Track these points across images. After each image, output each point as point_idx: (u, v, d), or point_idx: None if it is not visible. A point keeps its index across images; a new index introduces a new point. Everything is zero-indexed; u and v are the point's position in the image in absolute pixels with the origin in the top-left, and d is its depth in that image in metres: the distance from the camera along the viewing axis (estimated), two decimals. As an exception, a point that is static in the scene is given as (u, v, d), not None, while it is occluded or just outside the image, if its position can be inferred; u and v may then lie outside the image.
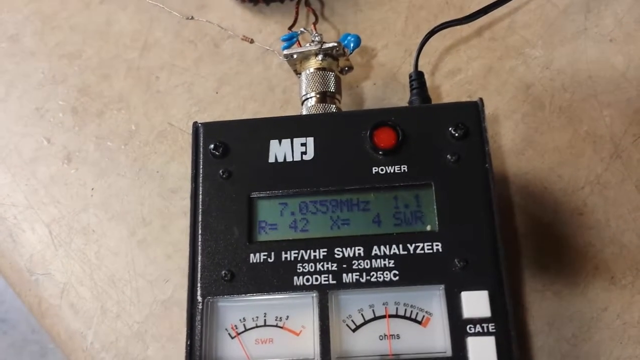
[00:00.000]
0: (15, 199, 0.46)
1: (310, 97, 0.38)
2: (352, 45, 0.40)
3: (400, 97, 0.44)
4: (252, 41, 0.44)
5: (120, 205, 0.44)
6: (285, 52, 0.40)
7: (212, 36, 0.48)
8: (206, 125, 0.34)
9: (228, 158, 0.33)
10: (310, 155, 0.33)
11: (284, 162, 0.33)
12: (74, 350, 0.42)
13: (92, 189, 0.45)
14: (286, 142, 0.33)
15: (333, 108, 0.38)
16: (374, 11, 0.47)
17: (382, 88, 0.45)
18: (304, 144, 0.33)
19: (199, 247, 0.31)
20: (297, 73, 0.41)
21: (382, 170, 0.32)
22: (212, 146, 0.33)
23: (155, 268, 0.42)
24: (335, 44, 0.38)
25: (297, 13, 0.45)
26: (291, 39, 0.40)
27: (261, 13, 0.48)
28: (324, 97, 0.38)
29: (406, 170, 0.32)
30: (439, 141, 0.32)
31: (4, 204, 0.46)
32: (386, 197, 0.32)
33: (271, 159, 0.33)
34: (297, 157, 0.33)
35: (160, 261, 0.42)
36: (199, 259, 0.31)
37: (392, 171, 0.32)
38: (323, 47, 0.38)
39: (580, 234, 0.40)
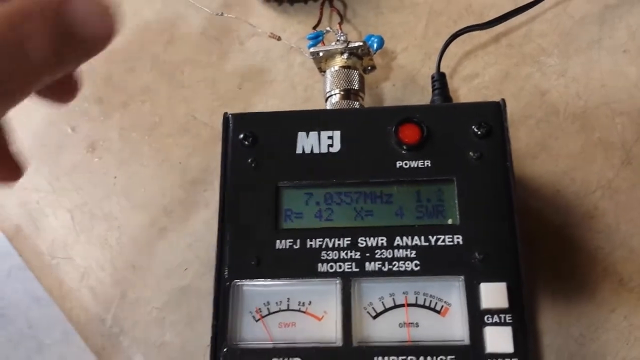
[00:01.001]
0: (38, 184, 0.47)
1: (335, 94, 0.40)
2: (375, 45, 0.42)
3: (419, 99, 0.45)
4: (279, 38, 0.45)
5: (142, 195, 0.45)
6: (312, 49, 0.41)
7: (237, 33, 0.49)
8: (236, 116, 0.35)
9: (257, 148, 0.34)
10: (336, 148, 0.34)
11: (310, 154, 0.34)
12: (92, 334, 0.43)
13: (115, 177, 0.46)
14: (313, 134, 0.34)
15: (357, 105, 0.39)
16: (395, 14, 0.49)
17: (401, 89, 0.46)
18: (330, 137, 0.34)
19: (227, 233, 0.32)
20: (322, 71, 0.43)
21: (406, 164, 0.33)
22: (241, 136, 0.34)
23: (175, 256, 0.43)
24: (361, 43, 0.40)
25: (321, 13, 0.46)
26: (317, 38, 0.42)
27: (285, 13, 0.50)
28: (348, 94, 0.39)
29: (429, 165, 0.33)
30: (462, 139, 0.33)
31: (27, 188, 0.47)
32: (409, 190, 0.33)
33: (298, 150, 0.34)
34: (324, 150, 0.34)
35: (180, 250, 0.43)
36: (227, 244, 0.32)
37: (415, 166, 0.33)
38: (349, 46, 0.40)
39: (590, 236, 0.41)
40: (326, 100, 0.40)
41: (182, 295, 0.42)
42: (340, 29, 0.43)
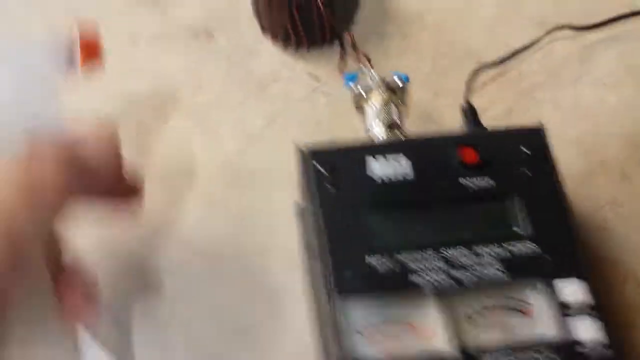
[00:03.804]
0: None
1: (379, 128, 0.43)
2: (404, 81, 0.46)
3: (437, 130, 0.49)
4: (317, 79, 0.48)
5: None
6: (352, 87, 0.44)
7: (260, 78, 0.52)
8: (314, 149, 0.37)
9: (337, 178, 0.37)
10: (408, 172, 0.37)
11: (385, 181, 0.37)
12: None
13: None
14: (386, 162, 0.37)
15: (400, 135, 0.43)
16: (402, 57, 0.53)
17: (417, 124, 0.50)
18: (401, 164, 0.37)
19: (328, 256, 0.34)
20: (358, 107, 0.46)
21: (472, 183, 0.37)
22: (321, 169, 0.37)
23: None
24: (398, 80, 0.44)
25: (342, 56, 0.50)
26: (354, 78, 0.45)
27: (303, 58, 0.53)
28: (393, 126, 0.43)
29: (492, 183, 0.37)
30: (515, 158, 0.38)
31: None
32: (479, 206, 0.36)
33: (375, 178, 0.37)
34: (399, 174, 0.37)
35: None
36: (329, 264, 0.34)
37: (480, 184, 0.37)
38: (387, 81, 0.43)
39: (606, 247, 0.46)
40: (367, 133, 0.43)
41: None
42: (372, 67, 0.46)
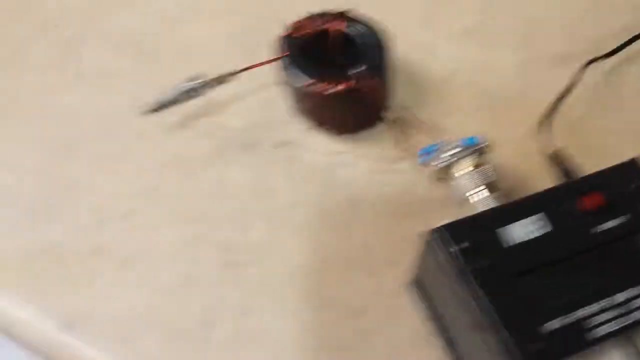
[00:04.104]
0: None
1: (478, 192, 0.44)
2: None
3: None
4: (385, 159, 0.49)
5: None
6: (440, 163, 0.45)
7: (322, 171, 0.52)
8: (448, 227, 0.37)
9: (480, 251, 0.37)
10: (543, 229, 0.38)
11: (525, 242, 0.37)
12: None
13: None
14: (520, 223, 0.38)
15: (499, 195, 0.44)
16: (447, 119, 0.54)
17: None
18: (534, 222, 0.38)
19: (504, 331, 0.34)
20: (440, 179, 0.47)
21: (604, 227, 0.38)
22: (463, 245, 0.37)
23: None
24: (486, 142, 0.45)
25: (397, 133, 0.51)
26: (431, 152, 0.46)
27: (354, 141, 0.53)
28: (492, 187, 0.44)
29: (624, 220, 0.38)
30: (631, 192, 0.39)
31: None
32: (618, 247, 0.37)
33: (515, 242, 0.37)
34: (535, 233, 0.37)
35: None
36: (507, 339, 0.34)
37: (612, 226, 0.38)
38: (478, 146, 0.44)
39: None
40: (464, 200, 0.44)
41: None
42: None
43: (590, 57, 0.55)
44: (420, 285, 0.44)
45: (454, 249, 0.37)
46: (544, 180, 0.49)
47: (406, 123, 0.52)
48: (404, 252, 0.48)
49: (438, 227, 0.38)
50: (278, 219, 0.50)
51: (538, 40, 0.59)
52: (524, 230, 0.38)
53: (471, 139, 0.47)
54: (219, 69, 0.51)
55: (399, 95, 0.54)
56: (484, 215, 0.39)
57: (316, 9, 0.54)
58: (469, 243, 0.37)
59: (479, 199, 0.43)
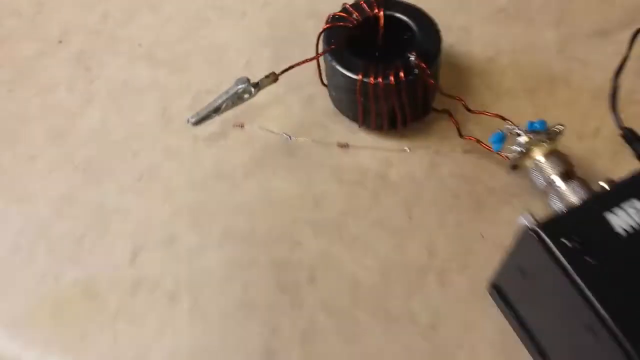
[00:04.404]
0: None
1: (556, 180, 0.40)
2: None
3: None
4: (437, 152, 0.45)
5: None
6: (516, 149, 0.41)
7: (375, 171, 0.48)
8: (546, 223, 0.34)
9: (587, 248, 0.33)
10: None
11: (632, 231, 0.34)
12: None
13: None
14: (623, 211, 0.34)
15: (577, 182, 0.40)
16: (499, 105, 0.51)
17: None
18: (637, 208, 0.34)
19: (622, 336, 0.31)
20: (514, 167, 0.43)
21: None
22: (566, 241, 0.33)
23: None
24: (562, 127, 0.41)
25: (456, 122, 0.47)
26: (502, 138, 0.42)
27: (404, 136, 0.50)
28: (567, 174, 0.40)
29: None
30: None
31: None
32: None
33: (622, 232, 0.34)
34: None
35: None
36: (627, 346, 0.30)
37: None
38: (550, 131, 0.41)
39: None
40: (544, 189, 0.41)
41: None
42: (512, 122, 0.44)
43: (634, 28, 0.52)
44: (502, 289, 0.41)
45: (563, 245, 0.33)
46: (617, 161, 0.46)
47: (457, 111, 0.49)
48: (474, 253, 0.44)
49: (544, 222, 0.34)
50: (331, 230, 0.46)
51: (575, 15, 0.56)
52: (631, 217, 0.34)
53: (538, 122, 0.43)
54: (252, 72, 0.48)
55: (443, 82, 0.50)
56: (587, 205, 0.35)
57: (348, -1, 0.50)
58: (579, 237, 0.33)
59: (565, 187, 0.40)
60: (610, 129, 0.42)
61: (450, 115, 0.48)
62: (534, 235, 0.34)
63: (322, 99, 0.52)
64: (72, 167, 0.50)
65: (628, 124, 0.41)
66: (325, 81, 0.51)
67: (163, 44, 0.57)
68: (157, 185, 0.49)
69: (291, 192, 0.48)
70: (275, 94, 0.52)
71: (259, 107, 0.51)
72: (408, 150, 0.48)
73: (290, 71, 0.47)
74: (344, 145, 0.48)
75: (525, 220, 0.39)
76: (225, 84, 0.47)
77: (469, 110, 0.47)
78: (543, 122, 0.43)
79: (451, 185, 0.47)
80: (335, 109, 0.51)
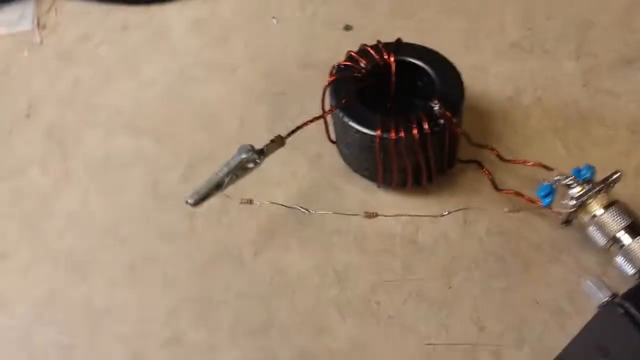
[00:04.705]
0: None
1: (623, 236, 0.35)
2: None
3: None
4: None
5: None
6: (568, 203, 0.36)
7: (402, 235, 0.42)
8: (633, 294, 0.28)
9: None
10: None
11: None
12: None
13: None
14: None
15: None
16: (525, 148, 0.46)
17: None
18: None
19: None
20: (567, 223, 0.37)
21: None
22: None
23: None
24: (619, 172, 0.36)
25: (488, 173, 0.42)
26: (552, 191, 0.37)
27: (430, 192, 0.44)
28: (634, 229, 0.35)
29: None
30: None
31: None
32: None
33: None
34: None
35: None
36: None
37: None
38: (609, 180, 0.36)
39: None
40: (609, 249, 0.35)
41: None
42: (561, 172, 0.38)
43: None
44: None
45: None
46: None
47: (485, 159, 0.43)
48: (529, 322, 0.38)
49: (629, 293, 0.28)
50: (360, 310, 0.39)
51: (594, 44, 0.52)
52: None
53: (585, 169, 0.38)
54: (248, 132, 0.42)
55: (465, 127, 0.45)
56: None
57: (344, 46, 0.45)
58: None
59: (635, 244, 0.34)
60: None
61: (481, 166, 0.43)
62: (620, 310, 0.28)
63: (331, 156, 0.46)
64: (52, 261, 0.43)
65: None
66: (333, 137, 0.46)
67: (145, 110, 0.51)
68: (153, 275, 0.42)
69: (308, 269, 0.42)
70: (277, 154, 0.46)
71: (261, 171, 0.44)
72: (446, 214, 0.42)
73: (284, 145, 0.41)
74: (372, 215, 0.42)
75: (592, 285, 0.33)
76: (220, 149, 0.42)
77: (502, 159, 0.41)
78: (589, 168, 0.38)
79: (491, 245, 0.42)
80: (347, 166, 0.45)
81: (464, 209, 0.43)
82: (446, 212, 0.43)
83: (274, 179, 0.45)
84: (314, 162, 0.47)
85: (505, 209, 0.42)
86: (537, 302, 0.39)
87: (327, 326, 0.39)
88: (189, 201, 0.38)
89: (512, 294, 0.40)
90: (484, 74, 0.50)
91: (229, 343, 0.39)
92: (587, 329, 0.32)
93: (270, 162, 0.45)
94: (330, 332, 0.39)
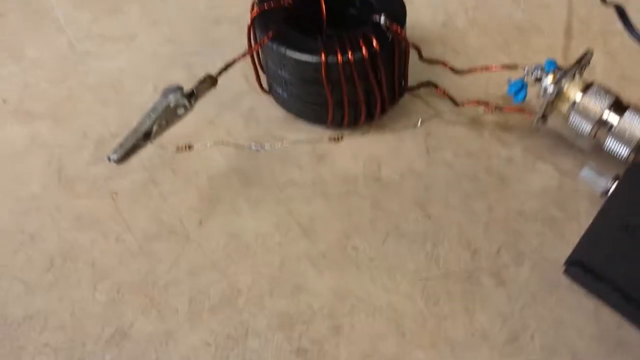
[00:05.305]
0: None
1: (609, 116, 0.32)
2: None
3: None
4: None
5: None
6: (552, 86, 0.32)
7: (365, 174, 0.37)
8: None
9: None
10: None
11: None
12: None
13: None
14: None
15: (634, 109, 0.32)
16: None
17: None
18: None
19: None
20: (543, 119, 0.34)
21: None
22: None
23: None
24: (590, 52, 0.33)
25: (446, 93, 0.38)
26: (523, 86, 0.33)
27: (383, 127, 0.39)
28: (619, 104, 0.32)
29: None
30: None
31: None
32: None
33: None
34: None
35: None
36: None
37: None
38: (582, 62, 0.33)
39: None
40: (595, 135, 0.32)
41: None
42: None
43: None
44: (588, 263, 0.31)
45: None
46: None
47: (435, 82, 0.40)
48: (523, 235, 0.35)
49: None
50: (336, 259, 0.34)
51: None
52: None
53: (547, 63, 0.35)
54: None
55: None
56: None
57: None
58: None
59: (625, 119, 0.31)
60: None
61: (435, 85, 0.39)
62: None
63: (267, 107, 0.41)
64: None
65: None
66: (265, 86, 0.40)
67: (35, 92, 0.43)
68: (78, 269, 0.34)
69: (267, 227, 0.35)
70: (206, 117, 0.40)
71: (188, 137, 0.38)
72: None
73: (216, 86, 0.35)
74: (338, 138, 0.37)
75: (590, 172, 0.30)
76: (136, 119, 0.35)
77: (456, 72, 0.38)
78: (552, 61, 0.35)
79: (461, 167, 0.38)
80: (286, 113, 0.40)
81: (425, 135, 0.39)
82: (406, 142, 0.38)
83: (207, 140, 0.39)
84: (248, 117, 0.41)
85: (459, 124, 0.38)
86: (525, 214, 0.35)
87: (303, 284, 0.33)
88: (112, 157, 0.31)
89: (497, 211, 0.36)
90: (411, 3, 0.47)
91: (189, 325, 0.32)
92: (607, 211, 0.29)
93: (201, 126, 0.39)
94: (308, 290, 0.33)
